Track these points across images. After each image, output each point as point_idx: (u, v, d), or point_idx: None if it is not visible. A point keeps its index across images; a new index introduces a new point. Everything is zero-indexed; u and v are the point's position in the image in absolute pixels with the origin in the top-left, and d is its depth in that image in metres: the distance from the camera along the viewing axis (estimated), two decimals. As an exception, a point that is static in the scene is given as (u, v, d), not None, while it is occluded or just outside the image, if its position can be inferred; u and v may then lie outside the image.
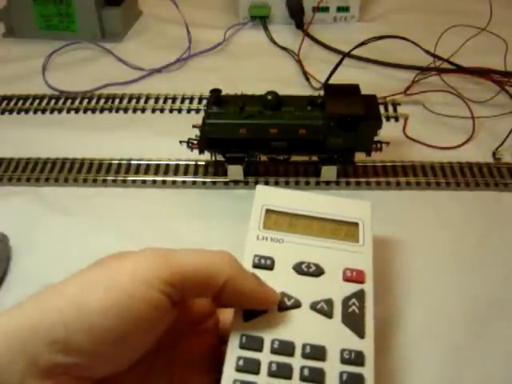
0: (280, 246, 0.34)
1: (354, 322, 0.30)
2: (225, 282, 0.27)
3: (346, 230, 0.35)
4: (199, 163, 0.52)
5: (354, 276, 0.32)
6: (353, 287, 0.32)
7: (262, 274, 0.31)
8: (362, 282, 0.32)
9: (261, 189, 0.38)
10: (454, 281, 0.42)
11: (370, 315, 0.31)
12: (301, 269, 0.32)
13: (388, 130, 0.49)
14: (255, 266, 0.32)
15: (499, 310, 0.39)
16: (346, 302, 0.31)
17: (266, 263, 0.32)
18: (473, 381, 0.35)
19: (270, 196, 0.37)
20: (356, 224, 0.35)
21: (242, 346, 0.29)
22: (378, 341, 0.30)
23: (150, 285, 0.25)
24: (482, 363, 0.36)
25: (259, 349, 0.29)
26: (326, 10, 0.74)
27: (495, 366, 0.36)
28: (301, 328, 0.30)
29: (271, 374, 0.28)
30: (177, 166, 0.52)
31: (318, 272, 0.32)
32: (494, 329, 0.38)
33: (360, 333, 0.30)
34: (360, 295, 0.31)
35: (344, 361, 0.29)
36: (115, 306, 0.25)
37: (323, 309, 0.31)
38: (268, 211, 0.36)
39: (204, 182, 0.51)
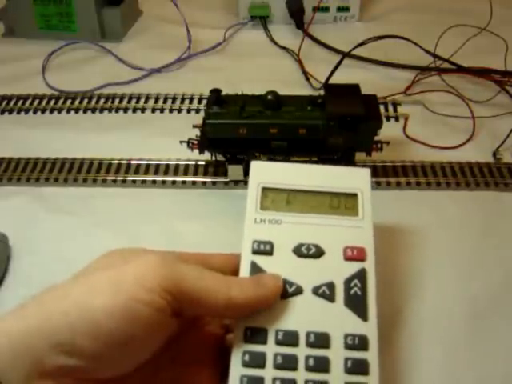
0: (278, 227, 0.33)
1: (356, 304, 0.30)
2: (225, 304, 0.28)
3: (345, 202, 0.34)
4: (199, 163, 0.52)
5: (354, 254, 0.32)
6: (354, 266, 0.32)
7: (261, 260, 0.31)
8: (363, 259, 0.32)
9: (256, 165, 0.37)
10: (454, 281, 0.42)
11: (372, 296, 0.31)
12: (301, 251, 0.32)
13: (388, 130, 0.49)
14: (254, 252, 0.32)
15: (499, 309, 0.39)
16: (347, 283, 0.31)
17: (265, 248, 0.32)
18: (472, 380, 0.35)
19: (265, 172, 0.36)
20: (355, 195, 0.35)
21: (247, 340, 0.29)
22: (378, 341, 0.30)
23: (152, 290, 0.26)
24: (482, 362, 0.36)
25: (264, 341, 0.29)
26: (326, 9, 0.74)
27: (495, 365, 0.36)
28: (304, 315, 0.30)
29: (277, 367, 0.28)
30: (177, 166, 0.52)
31: (319, 253, 0.32)
32: (493, 328, 0.38)
33: (363, 315, 0.30)
34: (362, 275, 0.31)
35: (348, 346, 0.29)
36: (120, 309, 0.25)
37: (325, 293, 0.30)
38: (264, 189, 0.35)
39: (204, 182, 0.51)
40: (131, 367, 0.26)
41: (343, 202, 0.34)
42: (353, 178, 0.36)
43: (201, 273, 0.28)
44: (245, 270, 0.31)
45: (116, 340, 0.25)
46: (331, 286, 0.31)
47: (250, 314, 0.30)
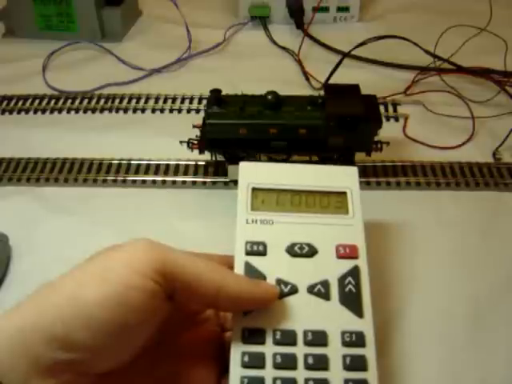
0: (270, 227, 0.33)
1: (351, 301, 0.31)
2: (217, 290, 0.27)
3: (335, 201, 0.35)
4: (199, 163, 0.52)
5: (347, 252, 0.32)
6: (347, 264, 0.32)
7: (255, 260, 0.31)
8: (355, 257, 0.32)
9: (244, 166, 0.37)
10: (454, 281, 0.42)
11: (366, 292, 0.31)
12: (294, 251, 0.32)
13: (388, 130, 0.49)
14: (248, 253, 0.32)
15: (499, 310, 0.39)
16: (341, 281, 0.31)
17: (258, 249, 0.32)
18: (472, 381, 0.35)
19: (254, 173, 0.36)
20: (344, 193, 0.35)
21: (245, 341, 0.29)
22: (378, 341, 0.30)
23: (144, 274, 0.25)
24: (482, 363, 0.36)
25: (262, 342, 0.29)
26: (326, 9, 0.74)
27: (495, 366, 0.36)
28: (300, 314, 0.30)
29: (277, 367, 0.28)
30: (177, 166, 0.52)
31: (312, 252, 0.32)
32: (494, 329, 0.38)
33: (358, 312, 0.30)
34: (355, 272, 0.32)
35: (345, 343, 0.29)
36: (111, 297, 0.25)
37: (320, 291, 0.31)
38: (254, 190, 0.35)
39: (204, 182, 0.51)
40: (128, 356, 0.26)
41: (333, 201, 0.35)
42: (341, 177, 0.36)
43: (193, 258, 0.28)
44: (239, 271, 0.31)
45: (110, 330, 0.25)
46: (326, 284, 0.31)
47: (242, 310, 0.29)
